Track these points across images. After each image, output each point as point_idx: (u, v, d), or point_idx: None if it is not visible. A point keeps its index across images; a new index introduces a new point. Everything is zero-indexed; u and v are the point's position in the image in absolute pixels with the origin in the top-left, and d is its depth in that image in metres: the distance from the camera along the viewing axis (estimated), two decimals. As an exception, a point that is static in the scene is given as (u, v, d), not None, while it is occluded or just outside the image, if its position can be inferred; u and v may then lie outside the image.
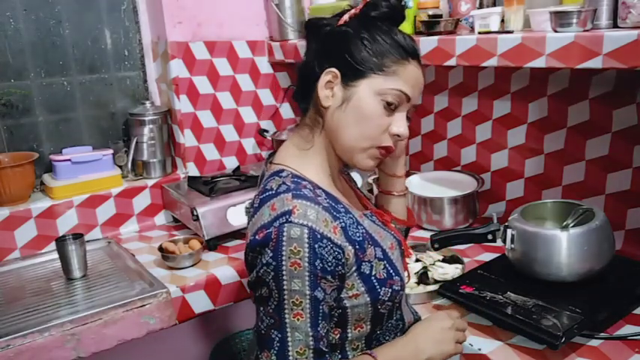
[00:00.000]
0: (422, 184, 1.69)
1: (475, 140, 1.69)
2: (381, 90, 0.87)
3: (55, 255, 1.50)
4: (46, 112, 1.79)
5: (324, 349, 0.81)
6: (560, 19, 1.08)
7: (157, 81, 1.95)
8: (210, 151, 1.95)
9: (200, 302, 1.44)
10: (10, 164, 1.63)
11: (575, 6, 1.10)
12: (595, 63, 1.01)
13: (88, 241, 1.55)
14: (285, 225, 0.79)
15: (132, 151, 1.81)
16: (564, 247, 1.08)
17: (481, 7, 1.39)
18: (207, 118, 1.92)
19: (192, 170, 1.92)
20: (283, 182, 0.87)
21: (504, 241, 1.18)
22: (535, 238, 1.12)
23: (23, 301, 1.38)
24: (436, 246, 1.27)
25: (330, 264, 0.81)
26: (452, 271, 1.28)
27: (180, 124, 1.87)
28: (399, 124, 0.89)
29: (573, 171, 1.43)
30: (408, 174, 1.77)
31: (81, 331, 1.26)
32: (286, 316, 0.79)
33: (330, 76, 0.88)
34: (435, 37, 1.32)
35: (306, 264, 0.79)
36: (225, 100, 1.95)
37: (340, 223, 0.85)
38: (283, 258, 0.78)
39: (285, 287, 0.79)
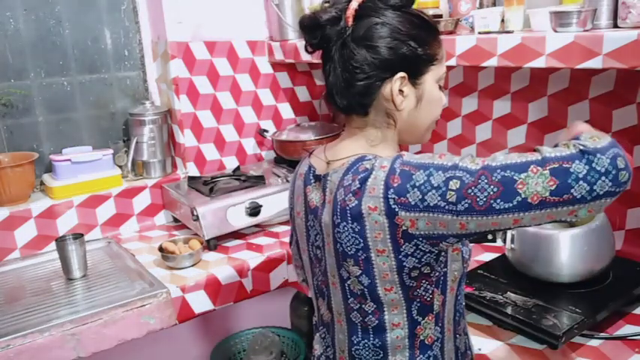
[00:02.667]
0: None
1: (475, 140, 1.69)
2: (440, 77, 0.91)
3: (55, 255, 1.50)
4: (46, 112, 1.79)
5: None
6: (560, 19, 1.08)
7: (156, 81, 1.95)
8: (210, 151, 1.95)
9: (200, 302, 1.44)
10: (10, 164, 1.63)
11: (575, 6, 1.10)
12: (595, 63, 1.01)
13: (88, 241, 1.55)
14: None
15: (132, 151, 1.81)
16: (564, 248, 1.08)
17: (481, 7, 1.39)
18: (207, 118, 1.92)
19: (192, 170, 1.92)
20: (375, 157, 0.86)
21: (504, 241, 1.18)
22: (535, 238, 1.12)
23: (23, 301, 1.38)
24: (436, 246, 1.27)
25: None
26: (452, 271, 1.28)
27: (180, 124, 1.87)
28: (444, 96, 0.95)
29: (573, 171, 1.43)
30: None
31: (81, 331, 1.26)
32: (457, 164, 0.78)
33: (400, 81, 0.86)
34: (435, 37, 1.32)
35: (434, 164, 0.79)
36: (225, 100, 1.95)
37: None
38: (422, 155, 0.82)
39: (440, 164, 0.79)
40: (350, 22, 0.85)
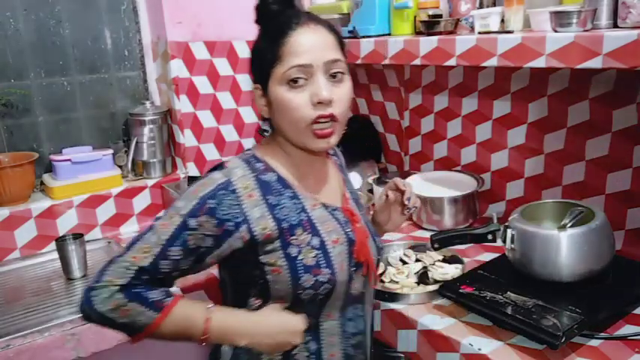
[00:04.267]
0: (422, 184, 1.69)
1: (475, 140, 1.69)
2: (281, 77, 0.89)
3: (55, 255, 1.50)
4: (46, 112, 1.79)
5: (157, 274, 0.89)
6: (560, 19, 1.08)
7: (156, 81, 1.95)
8: (210, 151, 1.95)
9: (200, 302, 1.44)
10: (10, 164, 1.63)
11: (575, 6, 1.10)
12: (595, 63, 1.01)
13: (88, 241, 1.55)
14: (214, 170, 0.92)
15: (132, 151, 1.81)
16: (564, 247, 1.08)
17: (481, 7, 1.39)
18: (207, 118, 1.92)
19: (192, 170, 1.92)
20: (241, 157, 0.96)
21: (504, 241, 1.18)
22: (535, 238, 1.12)
23: (23, 301, 1.38)
24: (436, 246, 1.27)
25: (222, 212, 0.87)
26: (452, 271, 1.28)
27: (180, 124, 1.87)
28: (315, 90, 0.89)
29: (573, 171, 1.43)
30: (408, 174, 1.77)
31: (81, 331, 1.26)
32: (158, 221, 0.89)
33: (257, 92, 0.94)
34: (435, 37, 1.32)
35: (202, 194, 0.87)
36: (225, 100, 1.95)
37: (270, 199, 0.91)
38: (194, 185, 0.90)
39: (174, 202, 0.90)
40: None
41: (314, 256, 0.92)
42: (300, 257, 0.91)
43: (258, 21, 0.95)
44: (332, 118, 0.90)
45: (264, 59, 0.90)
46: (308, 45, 0.89)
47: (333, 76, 0.91)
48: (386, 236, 1.56)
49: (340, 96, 0.91)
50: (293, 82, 0.88)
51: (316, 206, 0.96)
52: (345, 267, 0.94)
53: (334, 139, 0.94)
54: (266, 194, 0.91)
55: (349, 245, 0.97)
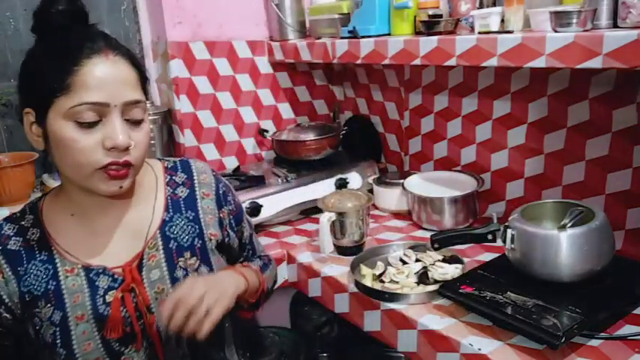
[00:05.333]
0: (422, 184, 1.69)
1: (475, 140, 1.69)
2: (66, 112, 0.78)
3: (55, 255, 1.50)
4: (46, 112, 1.79)
5: None
6: (560, 19, 1.08)
7: (156, 81, 1.95)
8: (210, 151, 1.95)
9: (200, 302, 1.44)
10: (10, 164, 1.63)
11: (575, 6, 1.10)
12: (595, 63, 1.01)
13: (88, 241, 1.55)
14: None
15: (132, 151, 1.81)
16: (564, 247, 1.08)
17: (481, 7, 1.39)
18: (207, 118, 1.92)
19: (192, 170, 1.91)
20: (22, 208, 0.93)
21: (504, 241, 1.18)
22: (535, 238, 1.12)
23: (23, 301, 1.38)
24: (436, 246, 1.27)
25: None
26: (452, 271, 1.28)
27: (180, 124, 1.87)
28: (110, 133, 0.79)
29: (573, 171, 1.43)
30: (408, 174, 1.77)
31: (81, 331, 1.26)
32: None
33: (29, 117, 0.83)
34: (435, 37, 1.32)
35: None
36: (225, 100, 1.95)
37: (20, 270, 0.87)
38: None
39: None
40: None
41: (52, 333, 0.85)
42: (41, 331, 0.86)
43: (35, 30, 0.84)
44: (127, 164, 0.81)
45: (44, 82, 0.78)
46: (105, 80, 0.78)
47: (131, 119, 0.82)
48: (386, 236, 1.57)
49: (138, 140, 0.82)
50: (78, 123, 0.78)
51: (72, 272, 0.88)
52: (93, 346, 0.86)
53: (128, 183, 0.84)
54: (16, 265, 0.87)
55: (97, 322, 0.87)
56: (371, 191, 1.76)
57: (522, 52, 1.13)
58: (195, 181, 1.02)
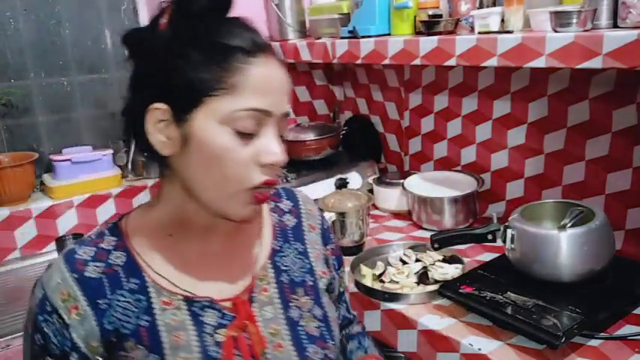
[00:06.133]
0: (422, 184, 1.69)
1: (475, 140, 1.69)
2: (226, 116, 0.64)
3: (55, 255, 1.50)
4: (46, 112, 1.79)
5: None
6: (560, 19, 1.08)
7: (157, 81, 1.95)
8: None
9: (200, 302, 1.44)
10: (10, 164, 1.63)
11: (575, 6, 1.10)
12: (595, 63, 1.01)
13: (88, 241, 1.55)
14: (37, 282, 0.72)
15: (132, 151, 1.81)
16: (564, 247, 1.08)
17: (481, 7, 1.39)
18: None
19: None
20: (97, 230, 0.75)
21: (504, 241, 1.18)
22: (535, 238, 1.12)
23: (23, 301, 1.38)
24: (436, 246, 1.27)
25: (54, 346, 0.68)
26: (452, 271, 1.28)
27: (180, 124, 1.87)
28: (270, 147, 0.66)
29: (573, 171, 1.43)
30: (408, 174, 1.77)
31: (81, 331, 1.26)
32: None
33: (156, 114, 0.66)
34: (435, 37, 1.32)
35: (30, 332, 0.70)
36: (225, 100, 1.95)
37: (100, 303, 0.69)
38: (28, 312, 0.72)
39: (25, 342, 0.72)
40: (164, 26, 0.67)
41: None
42: None
43: (176, 14, 0.67)
44: (273, 184, 0.69)
45: (195, 77, 0.64)
46: (272, 85, 0.68)
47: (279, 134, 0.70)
48: (386, 236, 1.57)
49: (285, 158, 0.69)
50: (238, 132, 0.65)
51: (170, 305, 0.70)
52: None
53: (261, 207, 0.73)
54: (96, 297, 0.69)
55: None
56: (371, 191, 1.76)
57: (522, 52, 1.13)
58: (302, 211, 0.88)
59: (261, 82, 0.66)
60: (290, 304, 0.78)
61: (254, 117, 0.65)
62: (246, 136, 0.65)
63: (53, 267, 0.71)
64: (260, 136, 0.66)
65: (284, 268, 0.80)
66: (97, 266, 0.70)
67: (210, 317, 0.71)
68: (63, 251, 0.73)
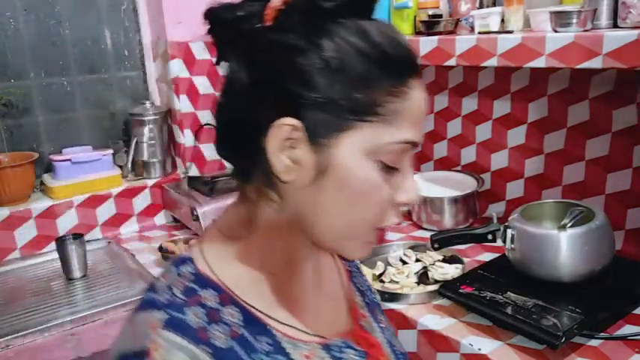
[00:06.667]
0: (422, 184, 1.69)
1: (475, 140, 1.69)
2: (376, 147, 0.52)
3: (55, 255, 1.50)
4: (46, 112, 1.79)
5: None
6: (560, 19, 1.08)
7: (157, 81, 1.95)
8: (210, 151, 1.95)
9: (200, 302, 1.44)
10: (10, 164, 1.63)
11: (575, 6, 1.10)
12: (595, 63, 1.01)
13: (88, 241, 1.55)
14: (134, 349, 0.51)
15: (132, 151, 1.81)
16: (564, 247, 1.08)
17: (481, 7, 1.39)
18: (207, 118, 1.92)
19: (193, 170, 1.92)
20: (171, 286, 0.55)
21: (504, 241, 1.18)
22: (535, 238, 1.12)
23: (23, 301, 1.38)
24: (436, 246, 1.27)
25: None
26: (452, 271, 1.28)
27: (180, 124, 1.87)
28: (409, 184, 0.56)
29: (573, 171, 1.43)
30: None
31: (81, 331, 1.26)
32: None
33: (284, 131, 0.51)
34: (435, 37, 1.32)
35: None
36: (225, 100, 1.95)
37: None
38: None
39: None
40: (269, 21, 0.52)
41: None
42: None
43: (308, 16, 0.51)
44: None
45: (346, 95, 0.50)
46: (421, 111, 0.55)
47: None
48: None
49: None
50: (385, 165, 0.53)
51: (312, 356, 0.59)
52: None
53: None
54: None
55: None
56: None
57: (522, 52, 1.13)
58: None
59: (418, 110, 0.54)
60: (381, 325, 0.72)
61: (404, 150, 0.54)
62: (390, 170, 0.54)
63: (162, 350, 0.49)
64: (398, 173, 0.55)
65: (361, 289, 0.74)
66: (220, 332, 0.54)
67: (350, 357, 0.62)
68: (157, 320, 0.52)
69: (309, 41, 0.51)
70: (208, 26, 0.60)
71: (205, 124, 1.90)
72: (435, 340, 1.11)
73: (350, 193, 0.53)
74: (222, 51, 0.58)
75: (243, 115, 0.54)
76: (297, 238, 0.58)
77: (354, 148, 0.52)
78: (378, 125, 0.52)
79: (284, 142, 0.52)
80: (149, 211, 1.83)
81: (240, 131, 0.55)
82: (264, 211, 0.58)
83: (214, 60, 0.61)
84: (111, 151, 1.81)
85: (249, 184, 0.58)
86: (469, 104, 1.68)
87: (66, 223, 1.69)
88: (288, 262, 0.61)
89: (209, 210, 1.58)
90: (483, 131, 1.66)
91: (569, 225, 1.10)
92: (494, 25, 1.28)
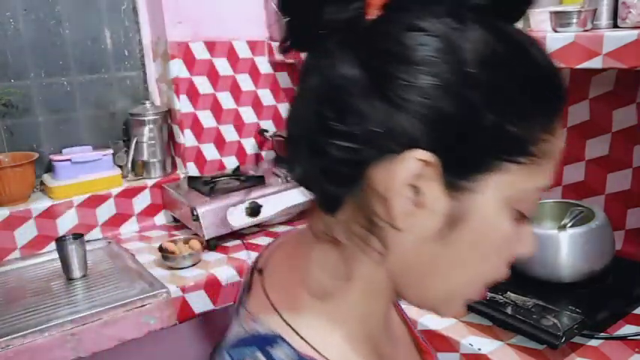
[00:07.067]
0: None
1: (475, 140, 1.69)
2: (520, 194, 0.43)
3: (55, 255, 1.50)
4: (46, 112, 1.79)
5: None
6: (560, 19, 1.08)
7: (157, 81, 1.95)
8: (210, 151, 1.95)
9: (200, 302, 1.44)
10: (10, 164, 1.63)
11: (575, 6, 1.10)
12: (595, 63, 1.01)
13: (88, 241, 1.55)
14: None
15: (132, 151, 1.81)
16: (564, 247, 1.08)
17: (481, 7, 1.39)
18: (207, 118, 1.92)
19: (192, 170, 1.92)
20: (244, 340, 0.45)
21: (504, 241, 1.17)
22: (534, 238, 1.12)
23: (23, 301, 1.38)
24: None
25: None
26: (452, 271, 1.28)
27: (180, 124, 1.87)
28: (529, 237, 0.51)
29: (573, 171, 1.43)
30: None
31: (81, 331, 1.26)
32: None
33: (417, 167, 0.39)
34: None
35: None
36: (225, 100, 1.95)
37: None
38: None
39: None
40: (373, 11, 0.40)
41: None
42: None
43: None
44: None
45: (500, 126, 0.39)
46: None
47: None
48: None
49: None
50: (526, 214, 0.46)
51: None
52: None
53: None
54: None
55: None
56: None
57: (522, 52, 1.13)
58: None
59: (559, 150, 0.46)
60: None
61: (539, 195, 0.46)
62: (522, 220, 0.46)
63: None
64: (527, 220, 0.48)
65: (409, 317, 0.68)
66: None
67: None
68: (236, 348, 0.45)
69: (452, 45, 0.38)
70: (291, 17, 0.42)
71: (271, 134, 1.89)
72: (434, 339, 1.11)
73: (484, 248, 0.44)
74: (315, 44, 0.42)
75: (348, 135, 0.39)
76: (391, 294, 0.49)
77: (498, 195, 0.41)
78: (528, 168, 0.42)
79: (410, 180, 0.40)
80: (149, 211, 1.83)
81: (336, 152, 0.40)
82: (362, 262, 0.45)
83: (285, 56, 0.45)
84: (111, 151, 1.81)
85: (335, 218, 0.45)
86: (469, 104, 1.68)
87: (66, 223, 1.69)
88: (380, 313, 0.51)
89: (209, 210, 1.58)
90: (483, 131, 1.65)
91: (569, 225, 1.10)
92: (494, 25, 1.27)
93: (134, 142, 1.82)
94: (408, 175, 0.39)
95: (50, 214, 1.66)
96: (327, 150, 0.40)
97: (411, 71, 0.38)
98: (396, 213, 0.40)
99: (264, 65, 2.00)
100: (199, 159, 1.93)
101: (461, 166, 0.40)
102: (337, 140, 0.40)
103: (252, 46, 1.96)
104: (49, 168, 1.78)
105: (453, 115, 0.38)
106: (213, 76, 1.91)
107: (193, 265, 1.51)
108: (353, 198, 0.43)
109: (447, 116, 0.38)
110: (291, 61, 1.86)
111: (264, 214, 1.65)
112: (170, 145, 1.92)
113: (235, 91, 1.97)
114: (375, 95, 0.39)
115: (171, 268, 1.50)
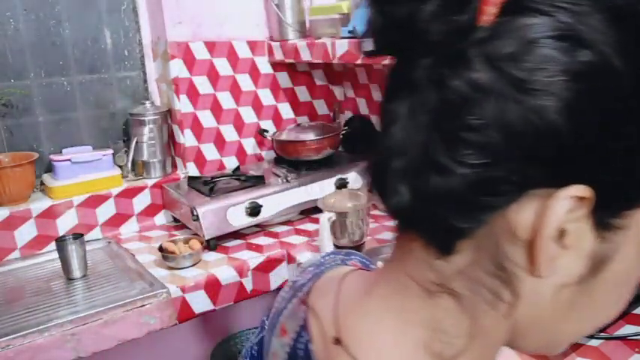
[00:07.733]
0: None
1: (475, 140, 1.69)
2: None
3: (55, 255, 1.50)
4: (46, 112, 1.79)
5: None
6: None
7: (156, 81, 1.95)
8: (210, 151, 1.95)
9: (200, 302, 1.44)
10: (10, 164, 1.63)
11: (575, 6, 1.10)
12: (595, 63, 1.01)
13: (88, 241, 1.55)
14: None
15: (132, 151, 1.81)
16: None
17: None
18: (207, 118, 1.92)
19: (192, 170, 1.92)
20: None
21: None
22: (535, 238, 1.12)
23: (23, 301, 1.38)
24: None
25: None
26: (452, 271, 1.28)
27: (180, 124, 1.87)
28: None
29: (573, 171, 1.43)
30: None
31: (81, 331, 1.26)
32: None
33: (569, 206, 0.33)
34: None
35: None
36: (225, 100, 1.95)
37: None
38: None
39: None
40: (485, 17, 0.31)
41: None
42: None
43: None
44: None
45: None
46: None
47: None
48: (386, 236, 1.57)
49: None
50: None
51: None
52: None
53: None
54: None
55: None
56: (371, 191, 1.76)
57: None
58: None
59: None
60: None
61: None
62: None
63: None
64: None
65: None
66: None
67: None
68: None
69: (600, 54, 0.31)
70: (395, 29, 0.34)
71: (271, 134, 1.90)
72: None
73: (623, 288, 0.39)
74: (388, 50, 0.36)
75: (497, 166, 0.32)
76: (502, 345, 0.41)
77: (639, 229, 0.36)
78: None
79: (564, 224, 0.33)
80: (149, 211, 1.83)
81: (478, 185, 0.33)
82: (487, 316, 0.38)
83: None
84: (111, 151, 1.81)
85: (449, 264, 0.37)
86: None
87: (66, 223, 1.69)
88: None
89: (209, 210, 1.58)
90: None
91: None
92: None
93: (134, 142, 1.82)
94: (563, 218, 0.33)
95: (50, 214, 1.66)
96: (457, 171, 0.32)
97: (548, 86, 0.31)
98: (541, 259, 0.34)
99: (264, 65, 2.00)
100: (199, 159, 1.93)
101: (616, 201, 0.34)
102: (471, 157, 0.32)
103: (252, 46, 1.96)
104: (49, 168, 1.78)
105: (612, 140, 0.32)
106: (213, 76, 1.91)
107: (193, 265, 1.52)
108: (474, 240, 0.35)
109: (609, 141, 0.31)
110: (291, 61, 1.86)
111: (264, 214, 1.65)
112: (170, 145, 1.92)
113: (235, 91, 1.97)
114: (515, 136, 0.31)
115: (171, 268, 1.50)
